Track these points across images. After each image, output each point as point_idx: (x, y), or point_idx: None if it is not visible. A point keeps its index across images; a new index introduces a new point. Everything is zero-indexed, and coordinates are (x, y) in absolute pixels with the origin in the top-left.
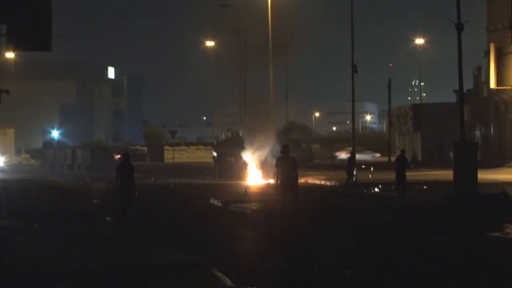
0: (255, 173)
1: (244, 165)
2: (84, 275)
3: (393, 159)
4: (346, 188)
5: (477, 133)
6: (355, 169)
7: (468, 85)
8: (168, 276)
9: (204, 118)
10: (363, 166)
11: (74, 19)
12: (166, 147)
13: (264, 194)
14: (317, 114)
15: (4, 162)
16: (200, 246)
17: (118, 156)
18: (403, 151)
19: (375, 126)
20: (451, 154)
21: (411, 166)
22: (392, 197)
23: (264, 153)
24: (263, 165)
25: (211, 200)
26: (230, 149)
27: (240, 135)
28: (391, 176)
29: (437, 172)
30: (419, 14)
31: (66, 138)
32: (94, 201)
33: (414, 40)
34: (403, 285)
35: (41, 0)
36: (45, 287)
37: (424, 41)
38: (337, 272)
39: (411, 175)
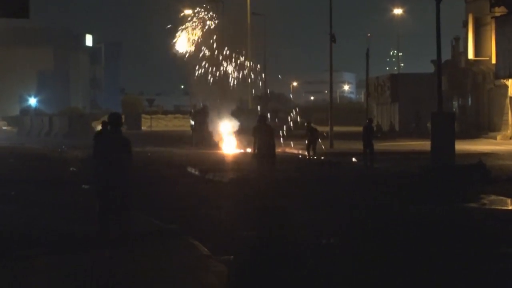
0: (231, 142)
1: (221, 133)
2: (60, 241)
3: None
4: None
5: (455, 103)
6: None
7: (446, 55)
8: (144, 245)
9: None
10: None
11: None
12: (143, 115)
13: (240, 162)
14: (294, 84)
15: None
16: (176, 214)
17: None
18: (370, 120)
19: (352, 96)
20: (429, 125)
21: (378, 135)
22: (367, 167)
23: (239, 122)
24: (239, 134)
25: (189, 169)
26: (207, 118)
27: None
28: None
29: (415, 143)
30: None
31: (43, 106)
32: (71, 169)
33: (392, 10)
34: (379, 253)
35: None
36: (21, 252)
37: (403, 11)
38: (313, 241)
39: (388, 145)
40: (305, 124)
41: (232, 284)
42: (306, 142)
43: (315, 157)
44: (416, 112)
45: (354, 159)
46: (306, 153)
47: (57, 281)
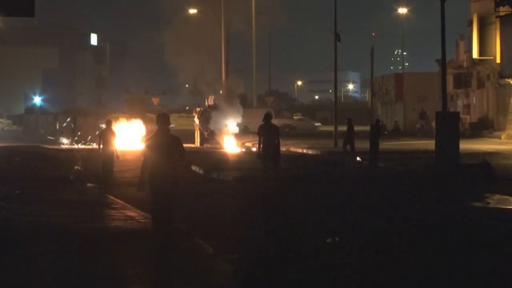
0: (235, 141)
1: (225, 133)
2: (66, 239)
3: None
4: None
5: (459, 103)
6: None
7: (450, 55)
8: (150, 243)
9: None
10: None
11: None
12: (148, 114)
13: (244, 161)
14: (299, 83)
15: None
16: (181, 213)
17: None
18: (377, 121)
19: (357, 95)
20: (433, 124)
21: (385, 132)
22: (372, 166)
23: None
24: (242, 133)
25: (193, 167)
26: (212, 117)
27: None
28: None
29: (419, 142)
30: None
31: (48, 104)
32: (76, 167)
33: (397, 9)
34: (385, 252)
35: None
36: (27, 249)
37: (407, 10)
38: (318, 240)
39: (393, 144)
40: (346, 121)
41: (237, 284)
42: (345, 137)
43: (354, 153)
44: (421, 111)
45: (358, 158)
46: (342, 148)
47: (63, 279)
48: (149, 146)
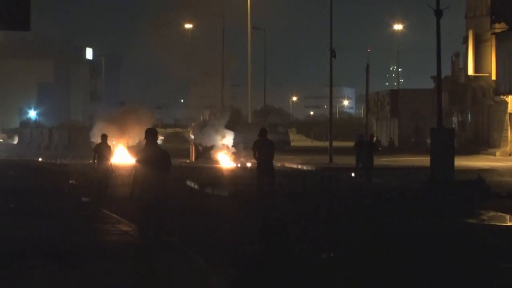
0: (229, 156)
1: (219, 148)
2: (61, 252)
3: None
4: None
5: (454, 119)
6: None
7: (446, 71)
8: (142, 257)
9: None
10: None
11: None
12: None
13: (239, 176)
14: (294, 98)
15: None
16: (175, 227)
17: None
18: (371, 136)
19: (352, 111)
20: (428, 140)
21: (380, 148)
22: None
23: (237, 137)
24: (237, 148)
25: (188, 182)
26: (207, 132)
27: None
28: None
29: (414, 158)
30: None
31: (43, 118)
32: (70, 182)
33: (392, 26)
34: (380, 267)
35: None
36: (20, 263)
37: (403, 27)
38: (313, 255)
39: (388, 160)
40: (369, 136)
41: None
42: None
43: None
44: (416, 127)
45: (353, 174)
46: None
47: None
48: (139, 160)
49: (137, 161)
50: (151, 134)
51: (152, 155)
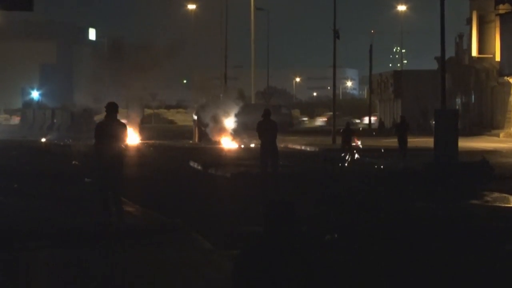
0: (234, 137)
1: (223, 129)
2: (63, 234)
3: (373, 125)
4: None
5: (458, 101)
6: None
7: (449, 52)
8: (148, 238)
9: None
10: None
11: None
12: (145, 109)
13: (242, 157)
14: (297, 80)
15: None
16: (180, 209)
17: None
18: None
19: (355, 92)
20: (432, 122)
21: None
22: (372, 163)
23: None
24: (242, 129)
25: (191, 163)
26: (210, 113)
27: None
28: (371, 142)
29: (418, 139)
30: None
31: (46, 99)
32: (73, 162)
33: (396, 7)
34: (383, 249)
35: None
36: (24, 244)
37: (406, 8)
38: (316, 237)
39: (391, 142)
40: (400, 118)
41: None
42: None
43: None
44: (424, 107)
45: (357, 156)
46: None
47: (60, 273)
48: (99, 130)
49: (97, 130)
50: (111, 107)
51: (110, 126)
